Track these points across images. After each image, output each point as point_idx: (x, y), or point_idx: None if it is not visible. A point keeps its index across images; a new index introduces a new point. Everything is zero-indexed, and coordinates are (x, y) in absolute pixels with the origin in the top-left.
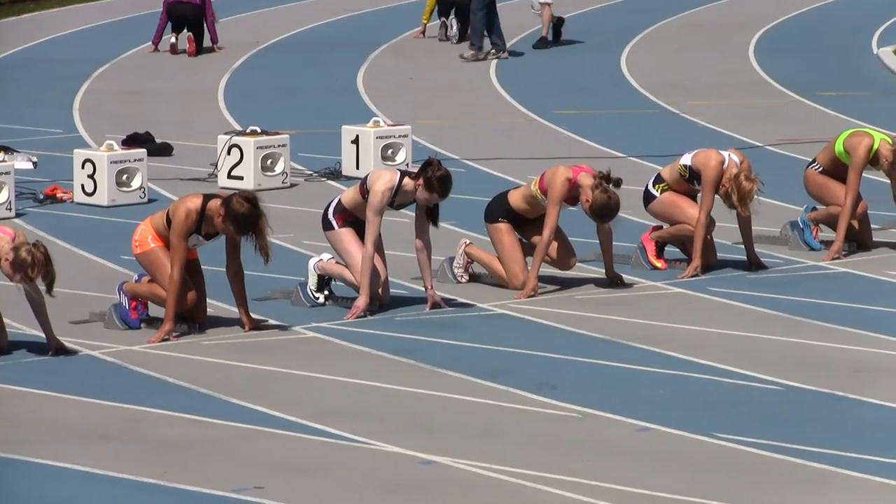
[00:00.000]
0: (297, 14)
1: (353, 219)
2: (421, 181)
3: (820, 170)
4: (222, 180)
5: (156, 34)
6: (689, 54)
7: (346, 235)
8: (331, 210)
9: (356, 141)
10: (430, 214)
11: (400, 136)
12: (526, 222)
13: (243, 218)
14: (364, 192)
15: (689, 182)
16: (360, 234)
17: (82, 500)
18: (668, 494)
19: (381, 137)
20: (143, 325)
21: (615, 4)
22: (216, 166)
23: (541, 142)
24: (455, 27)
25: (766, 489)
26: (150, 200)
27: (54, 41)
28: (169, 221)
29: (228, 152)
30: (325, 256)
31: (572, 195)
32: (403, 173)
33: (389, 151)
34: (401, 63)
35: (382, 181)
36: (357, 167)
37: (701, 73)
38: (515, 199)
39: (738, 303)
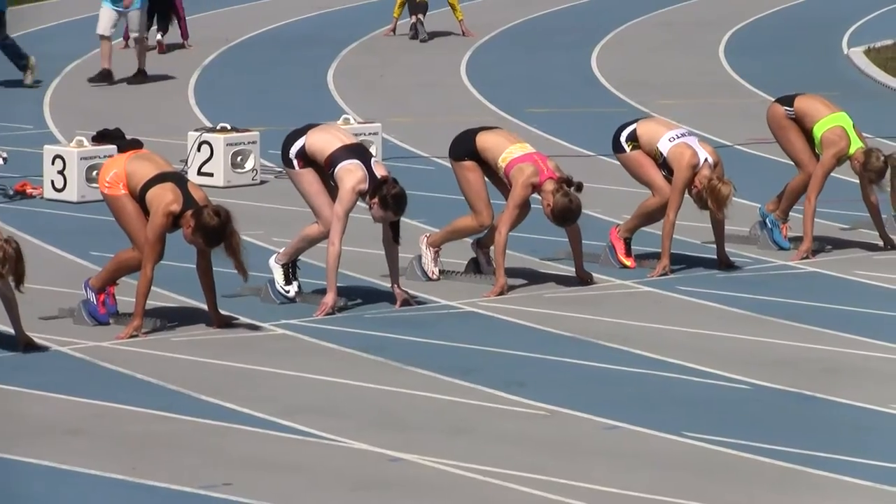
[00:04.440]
0: (267, 11)
1: (312, 164)
2: (376, 199)
3: (792, 116)
4: (193, 176)
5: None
6: (659, 53)
7: (310, 176)
8: (293, 150)
9: None
10: (392, 229)
11: (370, 134)
12: (488, 171)
13: (213, 231)
14: (329, 167)
15: (661, 167)
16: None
17: (50, 495)
18: (636, 493)
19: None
20: (112, 320)
21: (586, 3)
22: (186, 163)
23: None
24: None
25: (734, 488)
26: None
27: (26, 37)
28: (143, 192)
29: (199, 149)
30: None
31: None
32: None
33: None
34: (371, 60)
35: (354, 178)
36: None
37: (671, 73)
38: (483, 145)
39: (707, 302)
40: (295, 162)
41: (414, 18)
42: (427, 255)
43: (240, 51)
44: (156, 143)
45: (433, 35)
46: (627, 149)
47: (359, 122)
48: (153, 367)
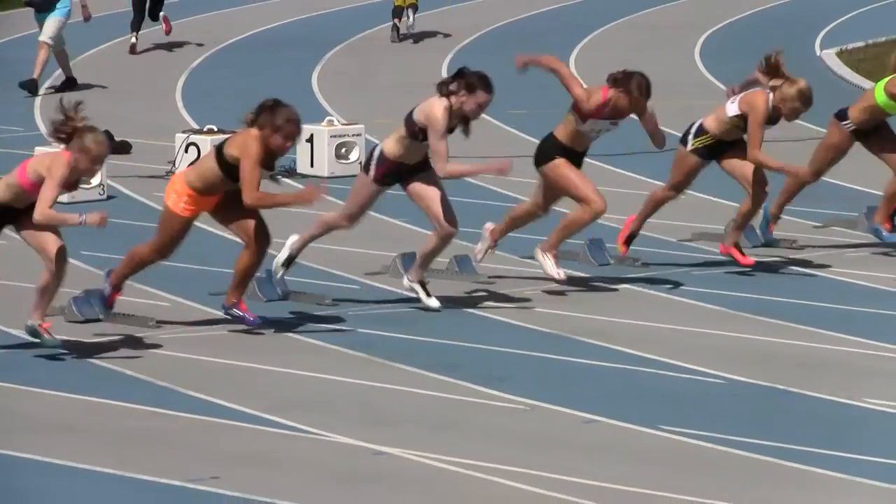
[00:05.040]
0: (254, 14)
1: (394, 171)
2: (462, 91)
3: (851, 128)
4: None
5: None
6: (637, 55)
7: (366, 188)
8: (374, 159)
9: (311, 140)
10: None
11: (353, 135)
12: (579, 157)
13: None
14: (414, 128)
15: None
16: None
17: (40, 490)
18: (615, 485)
19: (335, 136)
20: (102, 316)
21: (567, 6)
22: (174, 164)
23: (491, 140)
24: (412, 18)
25: (708, 480)
26: (110, 197)
27: (17, 41)
28: (225, 162)
29: (186, 150)
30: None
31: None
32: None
33: (343, 150)
34: (355, 63)
35: (438, 105)
36: (311, 165)
37: (648, 74)
38: (561, 132)
39: (683, 298)
40: (373, 170)
41: (397, 21)
42: (547, 262)
43: (227, 54)
44: (144, 145)
45: (419, 36)
46: (690, 144)
47: (342, 124)
48: (143, 364)
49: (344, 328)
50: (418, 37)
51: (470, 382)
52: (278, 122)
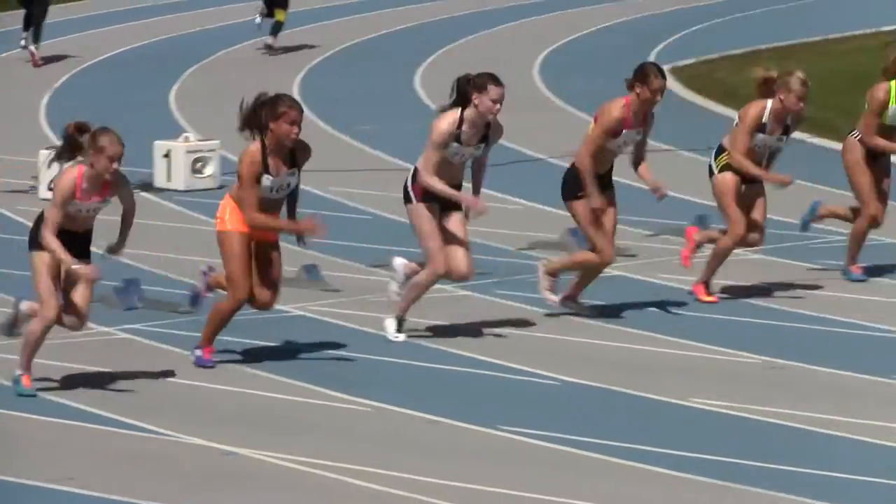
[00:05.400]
0: (117, 35)
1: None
2: (473, 94)
3: (857, 136)
4: (43, 193)
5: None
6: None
7: (423, 212)
8: (409, 180)
9: (168, 155)
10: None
11: (209, 151)
12: (606, 178)
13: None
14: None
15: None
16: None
17: None
18: (457, 483)
19: (191, 152)
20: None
21: (411, 27)
22: (37, 179)
23: (340, 154)
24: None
25: (547, 477)
26: None
27: None
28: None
29: (48, 167)
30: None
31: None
32: (458, 106)
33: (199, 165)
34: (211, 80)
35: (444, 117)
36: (168, 180)
37: None
38: (580, 158)
39: (519, 304)
40: (412, 193)
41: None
42: (545, 282)
43: (90, 73)
44: (6, 161)
45: (280, 50)
46: (716, 169)
47: (198, 140)
48: (1, 369)
49: (196, 334)
50: (275, 53)
51: (317, 385)
52: (278, 111)
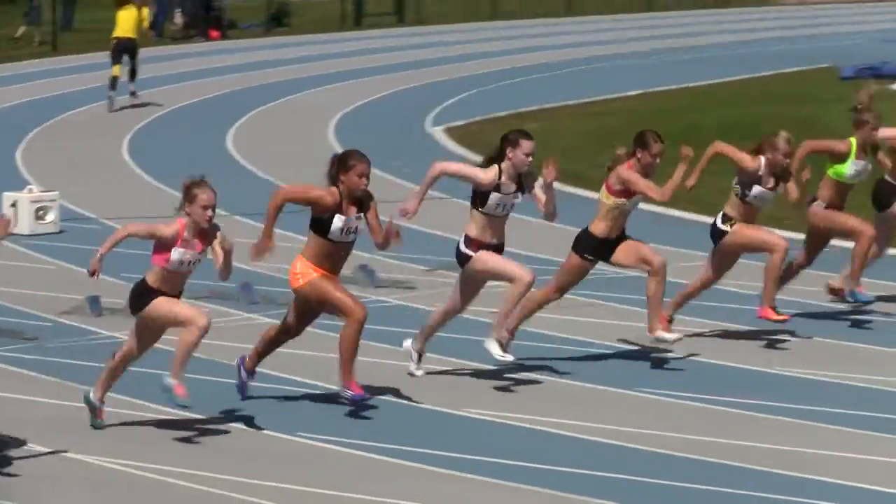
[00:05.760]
0: None
1: (485, 244)
2: (507, 150)
3: (824, 206)
4: None
5: None
6: (281, 132)
7: (485, 255)
8: (461, 244)
9: (15, 205)
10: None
11: (50, 200)
12: (611, 249)
13: None
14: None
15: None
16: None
17: None
18: (255, 480)
19: (34, 201)
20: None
21: (228, 93)
22: None
23: (155, 201)
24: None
25: (341, 477)
26: None
27: None
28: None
29: None
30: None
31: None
32: (496, 162)
33: (41, 212)
34: (56, 141)
35: (487, 173)
36: (15, 225)
37: (285, 150)
38: (599, 227)
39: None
40: (468, 251)
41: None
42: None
43: None
44: None
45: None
46: (727, 228)
47: (40, 191)
48: None
49: (44, 358)
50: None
51: (143, 400)
52: (349, 164)
